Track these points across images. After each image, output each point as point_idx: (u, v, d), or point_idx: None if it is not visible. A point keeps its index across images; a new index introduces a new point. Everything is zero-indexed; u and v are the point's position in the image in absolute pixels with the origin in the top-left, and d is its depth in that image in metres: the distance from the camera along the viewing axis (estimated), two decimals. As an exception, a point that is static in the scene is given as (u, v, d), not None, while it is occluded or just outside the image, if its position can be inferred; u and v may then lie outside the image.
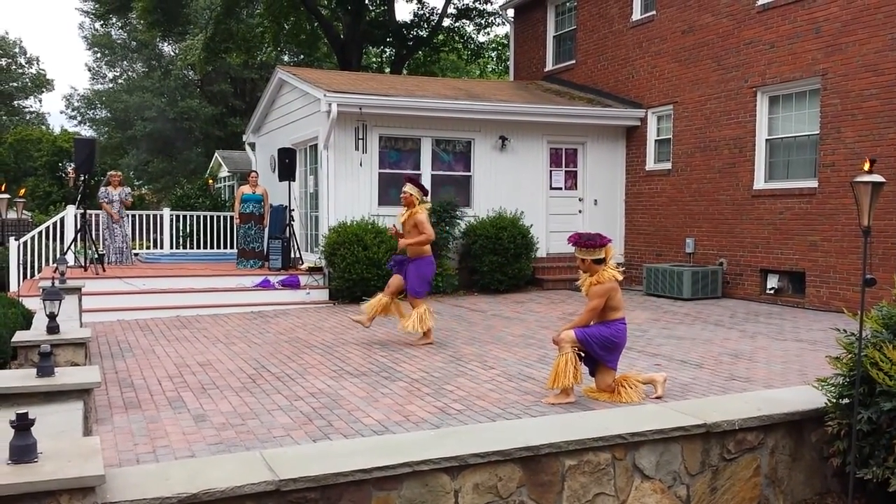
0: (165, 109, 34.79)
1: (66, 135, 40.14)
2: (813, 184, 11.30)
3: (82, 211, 12.51)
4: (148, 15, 25.58)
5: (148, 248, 17.38)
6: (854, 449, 4.56)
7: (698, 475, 4.63)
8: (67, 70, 74.21)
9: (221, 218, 17.38)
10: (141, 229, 17.31)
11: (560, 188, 14.74)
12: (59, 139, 39.40)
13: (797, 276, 11.63)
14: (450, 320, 10.35)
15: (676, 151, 13.79)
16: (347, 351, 8.29)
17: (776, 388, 6.23)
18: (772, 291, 11.91)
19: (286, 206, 13.78)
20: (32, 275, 13.09)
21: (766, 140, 12.15)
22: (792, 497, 5.00)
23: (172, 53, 38.11)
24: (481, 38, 29.79)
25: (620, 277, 6.16)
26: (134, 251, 15.47)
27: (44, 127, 46.27)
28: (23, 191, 17.57)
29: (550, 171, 14.62)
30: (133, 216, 16.36)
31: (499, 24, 27.88)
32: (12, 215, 13.74)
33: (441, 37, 27.61)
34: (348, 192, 12.89)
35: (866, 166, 4.73)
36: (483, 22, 27.22)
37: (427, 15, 26.50)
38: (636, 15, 14.73)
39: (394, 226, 9.06)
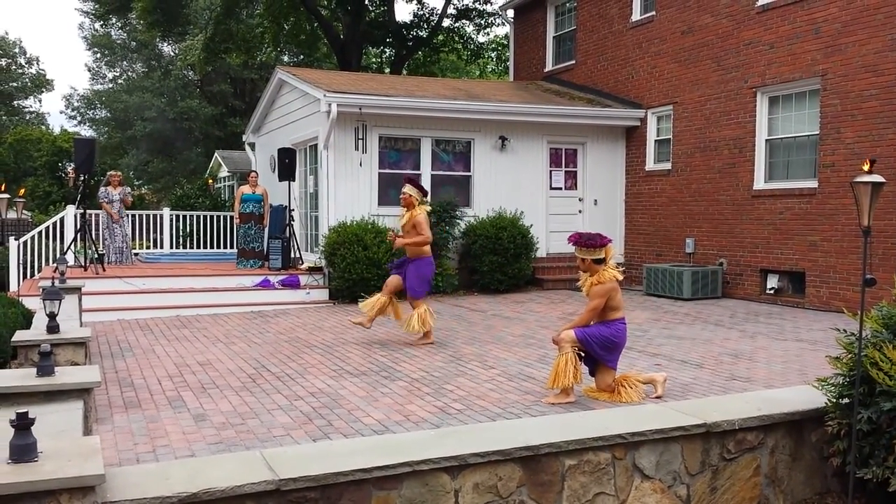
0: (165, 109, 34.79)
1: (66, 135, 40.17)
2: (813, 184, 11.30)
3: (82, 211, 12.51)
4: (148, 15, 25.57)
5: (148, 247, 17.38)
6: (854, 449, 4.57)
7: (698, 475, 4.63)
8: (67, 70, 74.33)
9: (221, 218, 17.38)
10: (141, 229, 17.31)
11: (560, 188, 14.74)
12: (58, 139, 39.43)
13: (797, 276, 11.64)
14: (450, 320, 10.35)
15: (676, 152, 13.79)
16: (347, 350, 8.29)
17: (776, 388, 6.23)
18: (772, 291, 11.91)
19: (286, 206, 13.78)
20: (32, 274, 13.08)
21: (766, 140, 12.16)
22: (792, 497, 5.00)
23: (172, 54, 38.11)
24: (481, 39, 29.85)
25: (621, 277, 6.17)
26: (134, 251, 15.47)
27: (44, 127, 46.31)
28: (22, 191, 17.57)
29: (550, 172, 14.62)
30: (133, 216, 16.36)
31: (499, 24, 27.93)
32: (12, 215, 13.75)
33: (441, 37, 27.61)
34: (348, 192, 12.89)
35: (866, 166, 4.74)
36: (483, 22, 27.23)
37: (427, 15, 26.51)
38: (636, 15, 14.74)
39: (392, 231, 9.05)
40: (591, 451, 4.27)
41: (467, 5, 26.53)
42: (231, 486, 3.40)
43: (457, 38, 28.01)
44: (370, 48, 29.84)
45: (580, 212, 14.84)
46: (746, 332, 9.38)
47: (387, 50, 29.81)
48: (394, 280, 8.66)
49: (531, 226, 13.51)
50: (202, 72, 29.54)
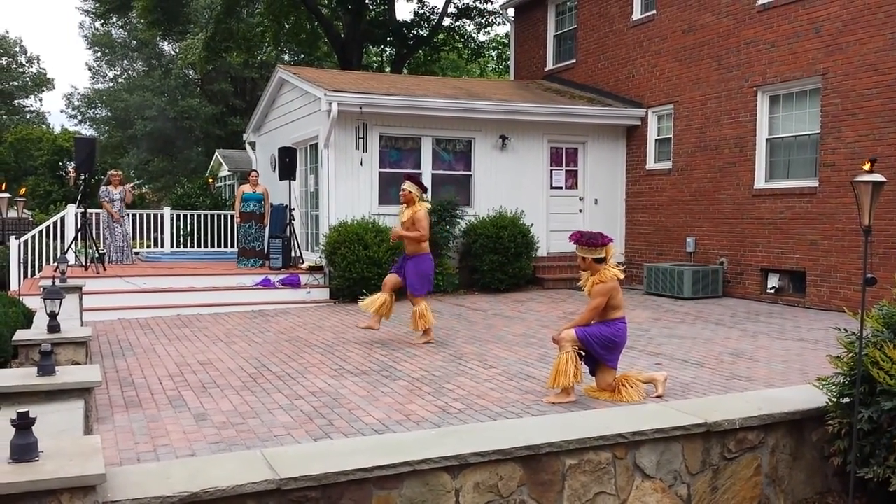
0: (166, 108, 34.79)
1: (67, 134, 40.19)
2: (813, 183, 11.30)
3: (83, 210, 12.52)
4: (148, 14, 25.58)
5: (148, 247, 17.39)
6: (855, 448, 4.57)
7: (699, 474, 4.63)
8: (68, 69, 74.32)
9: (222, 217, 17.38)
10: (141, 228, 17.32)
11: (560, 187, 14.74)
12: (59, 138, 39.44)
13: (798, 275, 11.63)
14: (450, 319, 10.35)
15: (677, 151, 13.78)
16: (348, 350, 8.29)
17: (777, 388, 6.23)
18: (772, 291, 11.91)
19: (287, 206, 13.78)
20: (33, 274, 13.09)
21: (767, 139, 12.15)
22: (793, 496, 5.00)
23: (173, 52, 38.12)
24: (482, 38, 29.80)
25: (622, 276, 6.17)
26: (134, 250, 15.48)
27: (44, 126, 46.31)
28: (23, 190, 17.59)
29: (551, 171, 14.62)
30: (134, 215, 16.37)
31: (499, 23, 27.90)
32: (13, 214, 13.76)
33: (441, 36, 27.60)
34: (349, 192, 12.89)
35: (867, 166, 4.74)
36: (483, 21, 27.22)
37: (427, 14, 26.50)
38: (636, 14, 14.73)
39: (394, 230, 9.04)
40: (591, 451, 4.27)
41: (468, 4, 26.52)
42: (232, 485, 3.40)
43: (457, 37, 28.00)
44: (371, 47, 29.83)
45: (581, 211, 14.84)
46: (747, 332, 9.37)
47: (387, 49, 29.79)
48: (392, 278, 8.66)
49: (532, 225, 13.50)
50: (203, 71, 29.54)
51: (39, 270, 13.09)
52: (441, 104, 13.24)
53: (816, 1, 11.20)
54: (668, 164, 14.03)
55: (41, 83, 46.52)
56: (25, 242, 12.99)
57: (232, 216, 16.68)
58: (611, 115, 14.57)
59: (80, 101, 42.53)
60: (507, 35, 26.43)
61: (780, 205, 11.79)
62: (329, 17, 25.29)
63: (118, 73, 41.81)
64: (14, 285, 12.22)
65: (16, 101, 46.44)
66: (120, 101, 36.84)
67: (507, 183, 14.01)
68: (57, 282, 8.21)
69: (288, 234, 13.39)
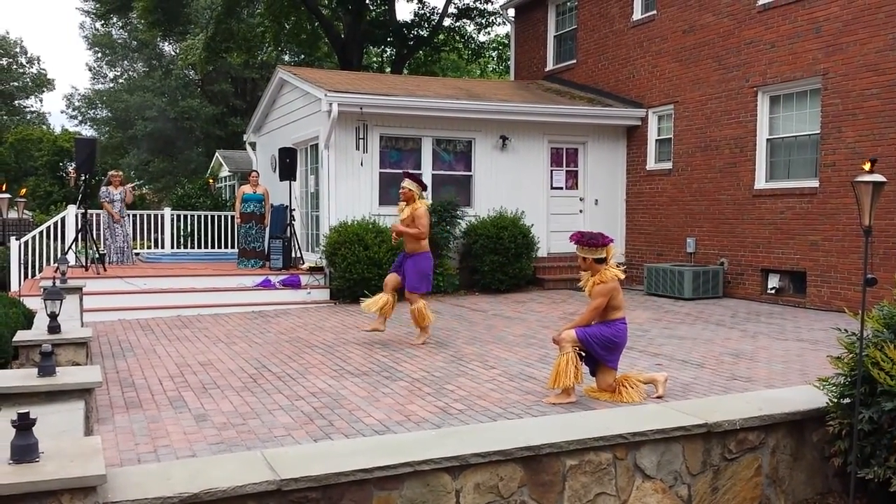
0: (166, 109, 34.81)
1: (67, 134, 40.24)
2: (814, 183, 11.30)
3: (83, 211, 12.52)
4: (148, 14, 25.59)
5: (149, 247, 17.40)
6: (855, 449, 4.56)
7: (699, 475, 4.63)
8: (68, 70, 74.34)
9: (222, 218, 17.39)
10: (142, 229, 17.32)
11: (561, 188, 14.74)
12: (59, 139, 39.48)
13: (798, 275, 11.63)
14: (451, 320, 10.35)
15: (677, 151, 13.78)
16: (348, 350, 8.29)
17: (777, 388, 6.23)
18: (773, 291, 11.90)
19: (287, 206, 13.78)
20: (33, 274, 13.09)
21: (767, 140, 12.15)
22: (793, 497, 5.00)
23: (173, 53, 38.13)
24: (482, 38, 29.81)
25: (622, 276, 6.17)
26: (135, 251, 15.48)
27: (44, 126, 46.36)
28: (23, 190, 17.60)
29: (551, 171, 14.62)
30: (134, 216, 16.37)
31: (499, 23, 27.90)
32: (13, 215, 13.76)
33: (442, 36, 27.60)
34: (349, 192, 12.89)
35: (867, 166, 4.73)
36: (484, 21, 27.23)
37: (428, 14, 26.51)
38: (637, 14, 14.73)
39: (393, 224, 9.04)
40: (592, 452, 4.27)
41: (468, 4, 26.53)
42: (232, 486, 3.40)
43: (457, 38, 28.01)
44: (371, 47, 29.84)
45: (581, 211, 14.84)
46: (747, 332, 9.37)
47: (388, 49, 29.80)
48: (392, 278, 8.65)
49: (532, 225, 13.50)
50: (203, 71, 29.55)
51: (40, 271, 13.09)
52: (441, 104, 13.24)
53: (817, 1, 11.20)
54: (668, 165, 14.02)
55: (41, 84, 46.55)
56: (26, 243, 13.00)
57: (232, 217, 16.69)
58: (611, 116, 14.57)
59: (81, 101, 42.58)
60: (507, 35, 26.45)
61: (780, 205, 11.79)
62: (329, 18, 25.30)
63: (118, 73, 41.85)
64: (14, 286, 12.23)
65: (16, 102, 46.48)
66: (120, 102, 36.86)
67: (507, 183, 14.01)
68: (57, 282, 8.20)
69: (288, 234, 13.39)
